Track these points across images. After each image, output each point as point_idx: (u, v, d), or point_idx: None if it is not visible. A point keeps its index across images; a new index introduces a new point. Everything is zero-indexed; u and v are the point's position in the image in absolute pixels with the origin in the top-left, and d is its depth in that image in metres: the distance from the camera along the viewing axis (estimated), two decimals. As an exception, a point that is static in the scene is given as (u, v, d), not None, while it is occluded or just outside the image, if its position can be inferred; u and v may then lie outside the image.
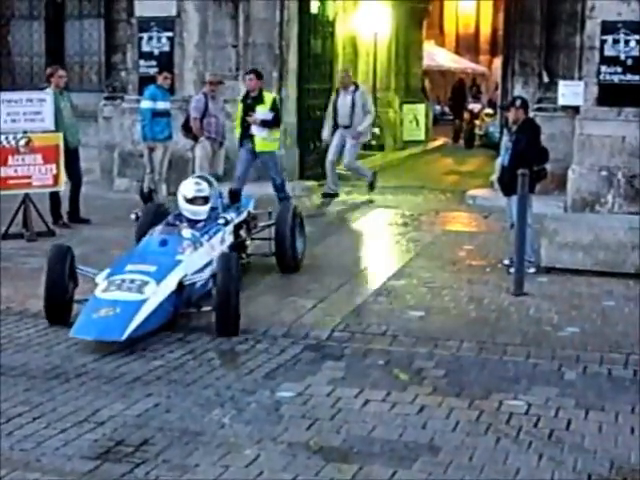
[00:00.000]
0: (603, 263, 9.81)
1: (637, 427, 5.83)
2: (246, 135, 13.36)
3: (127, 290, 7.33)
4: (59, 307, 7.74)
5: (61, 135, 12.08)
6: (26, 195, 11.59)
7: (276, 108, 13.41)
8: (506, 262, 10.10)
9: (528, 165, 9.53)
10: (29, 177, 11.63)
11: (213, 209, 9.06)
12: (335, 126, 15.33)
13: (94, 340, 7.09)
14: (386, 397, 6.28)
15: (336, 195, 15.24)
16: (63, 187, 12.10)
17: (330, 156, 15.32)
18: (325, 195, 15.25)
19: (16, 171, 11.57)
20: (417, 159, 23.22)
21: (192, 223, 8.59)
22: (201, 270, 8.06)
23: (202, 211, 8.72)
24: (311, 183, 16.41)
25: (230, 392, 6.34)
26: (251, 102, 13.28)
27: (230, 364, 7.02)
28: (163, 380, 6.57)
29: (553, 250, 9.99)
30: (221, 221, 8.95)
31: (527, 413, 6.04)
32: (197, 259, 8.10)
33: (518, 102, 10.27)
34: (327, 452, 5.38)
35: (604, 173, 13.36)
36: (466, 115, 27.64)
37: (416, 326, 8.05)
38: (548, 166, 10.66)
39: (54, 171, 11.78)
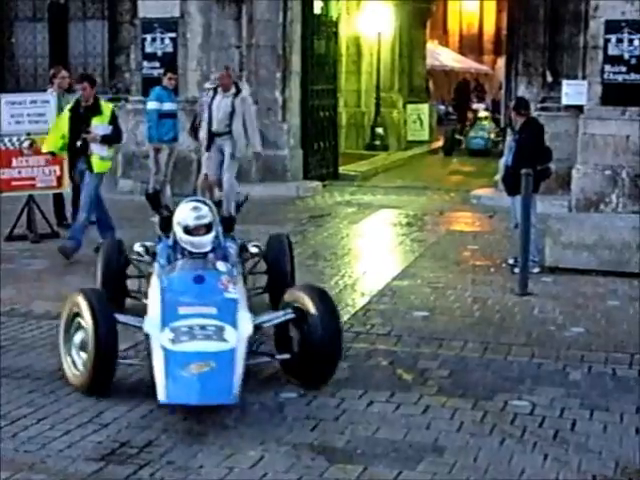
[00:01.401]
0: (607, 263, 9.80)
1: (642, 427, 5.82)
2: (80, 154, 10.68)
3: (206, 339, 6.08)
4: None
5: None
6: (30, 197, 11.60)
7: (116, 120, 10.93)
8: (510, 262, 10.10)
9: (531, 165, 9.52)
10: (33, 179, 11.64)
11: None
12: (211, 134, 12.82)
13: (197, 404, 5.83)
14: (390, 398, 6.27)
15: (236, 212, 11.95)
16: (67, 189, 12.11)
17: (211, 171, 12.92)
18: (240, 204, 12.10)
19: (20, 173, 11.58)
20: (421, 159, 23.22)
21: (193, 257, 7.14)
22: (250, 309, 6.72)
23: (206, 242, 7.11)
24: (315, 183, 16.41)
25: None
26: (85, 113, 10.62)
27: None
28: (167, 381, 6.55)
29: (557, 250, 9.98)
30: (232, 250, 7.50)
31: (532, 413, 6.03)
32: (243, 296, 6.78)
33: (513, 103, 10.29)
34: (331, 453, 5.37)
35: (608, 172, 13.36)
36: (470, 115, 27.60)
37: (420, 326, 8.04)
38: (552, 166, 10.67)
39: (58, 173, 11.78)
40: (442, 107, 31.99)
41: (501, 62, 25.29)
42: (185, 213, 7.18)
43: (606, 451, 5.45)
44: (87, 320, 6.23)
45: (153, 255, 7.53)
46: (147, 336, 6.27)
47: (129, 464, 5.21)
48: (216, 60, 15.76)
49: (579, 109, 13.95)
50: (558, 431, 5.73)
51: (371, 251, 11.85)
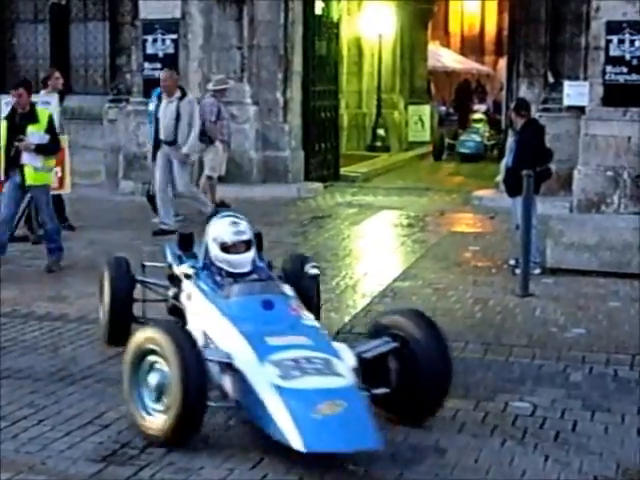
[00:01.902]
0: (609, 264, 9.79)
1: (643, 428, 5.82)
2: (13, 164, 10.04)
3: (319, 373, 5.36)
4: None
5: (67, 138, 12.12)
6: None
7: (53, 129, 10.23)
8: (511, 263, 10.09)
9: (531, 166, 9.52)
10: (34, 180, 11.60)
11: None
12: (157, 142, 12.31)
13: (344, 452, 5.19)
14: (391, 399, 6.25)
15: (172, 232, 10.82)
16: (69, 190, 12.09)
17: (158, 183, 12.29)
18: (157, 233, 11.70)
19: (21, 174, 11.54)
20: (422, 160, 23.20)
21: (234, 278, 6.41)
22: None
23: (246, 260, 6.45)
24: (316, 185, 16.41)
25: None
26: (20, 121, 9.99)
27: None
28: (168, 382, 6.55)
29: (559, 251, 9.97)
30: (268, 270, 6.74)
31: (533, 415, 6.03)
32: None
33: (513, 104, 10.30)
34: (332, 454, 5.35)
35: (610, 173, 13.35)
36: (471, 116, 27.50)
37: (421, 327, 8.02)
38: (553, 166, 10.67)
39: (60, 174, 11.77)
40: (443, 108, 31.96)
41: (502, 63, 25.17)
42: (222, 229, 6.53)
43: (607, 452, 5.44)
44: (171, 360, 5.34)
45: (170, 278, 7.07)
46: (233, 371, 5.51)
47: (130, 465, 5.20)
48: (217, 61, 15.77)
49: (580, 110, 13.95)
50: (559, 432, 5.72)
51: (372, 252, 11.85)
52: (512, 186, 9.94)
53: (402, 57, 25.19)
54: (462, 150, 22.30)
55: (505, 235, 11.53)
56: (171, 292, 7.00)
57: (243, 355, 5.53)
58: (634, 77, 13.32)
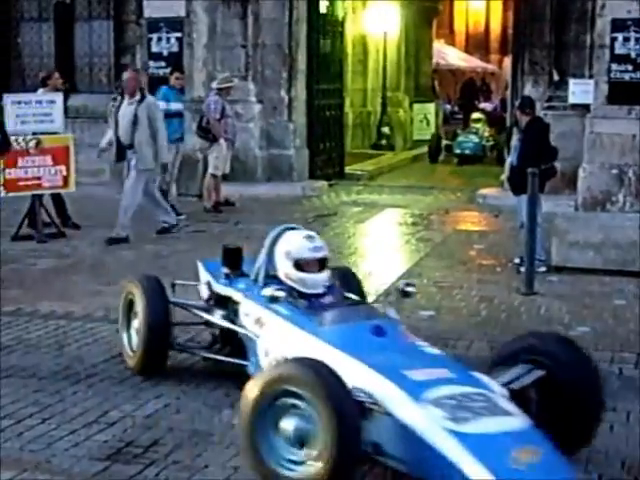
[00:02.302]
0: (614, 262, 9.78)
1: (648, 427, 5.80)
2: None
3: (492, 414, 4.67)
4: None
5: (71, 136, 12.13)
6: (35, 196, 11.60)
7: (2, 127, 9.85)
8: (516, 261, 10.08)
9: (536, 164, 9.51)
10: (39, 178, 11.63)
11: None
12: (120, 147, 11.60)
13: None
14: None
15: (125, 240, 11.17)
16: (74, 188, 12.09)
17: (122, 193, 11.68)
18: (111, 241, 11.20)
19: (26, 172, 11.57)
20: (427, 158, 23.15)
21: (308, 300, 5.83)
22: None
23: (322, 280, 5.91)
24: (321, 183, 16.41)
25: (240, 392, 6.31)
26: None
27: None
28: (172, 381, 6.56)
29: (564, 249, 9.96)
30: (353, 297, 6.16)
31: (538, 413, 6.01)
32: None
33: (518, 102, 10.30)
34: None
35: (615, 171, 13.33)
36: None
37: (426, 326, 8.00)
38: (558, 165, 10.65)
39: (64, 172, 11.79)
40: (448, 106, 31.95)
41: (507, 61, 25.12)
42: (298, 243, 5.92)
43: (612, 450, 5.42)
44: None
45: (211, 299, 6.57)
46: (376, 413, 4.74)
47: (134, 463, 5.20)
48: (222, 59, 15.76)
49: (586, 108, 13.92)
50: (564, 431, 5.71)
51: (377, 250, 11.84)
52: (517, 184, 9.94)
53: (407, 55, 25.17)
54: (459, 151, 21.27)
55: (510, 233, 11.52)
56: (218, 316, 6.41)
57: (387, 394, 4.74)
58: (639, 75, 13.29)
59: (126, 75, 11.86)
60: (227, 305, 6.38)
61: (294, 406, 4.67)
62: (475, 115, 23.06)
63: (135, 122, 11.33)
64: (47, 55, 17.24)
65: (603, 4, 13.38)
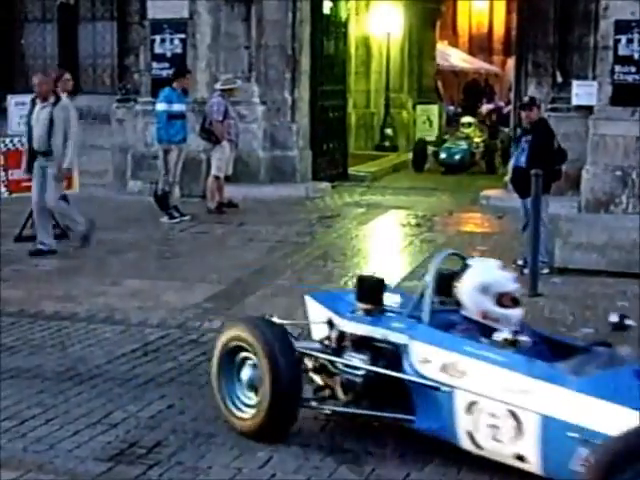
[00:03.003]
0: (617, 263, 9.77)
1: (652, 428, 5.78)
2: None
3: None
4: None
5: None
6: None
7: None
8: (520, 263, 10.07)
9: (545, 166, 9.49)
10: (42, 179, 11.60)
11: None
12: (32, 152, 10.98)
13: None
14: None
15: (52, 252, 10.72)
16: (77, 189, 12.09)
17: (34, 197, 10.92)
18: (33, 253, 10.71)
19: (29, 173, 11.55)
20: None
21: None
22: None
23: (518, 316, 5.27)
24: (324, 184, 16.40)
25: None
26: None
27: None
28: (176, 382, 6.57)
29: (567, 251, 9.96)
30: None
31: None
32: None
33: (525, 100, 10.27)
34: (340, 454, 5.36)
35: (618, 173, 13.33)
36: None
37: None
38: (562, 166, 10.64)
39: (68, 173, 11.76)
40: (451, 108, 31.95)
41: (511, 63, 25.07)
42: (497, 274, 5.28)
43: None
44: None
45: (329, 340, 5.71)
46: None
47: (138, 464, 5.21)
48: (225, 61, 15.77)
49: (589, 109, 13.92)
50: (567, 432, 5.70)
51: (380, 252, 11.83)
52: (524, 187, 9.83)
53: (410, 56, 25.16)
54: (445, 158, 19.51)
55: (513, 235, 11.51)
56: (358, 362, 5.48)
57: None
58: (643, 76, 13.31)
59: (36, 79, 11.18)
60: (364, 348, 5.53)
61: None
62: (465, 119, 21.22)
63: (51, 125, 10.71)
64: (50, 56, 17.27)
65: (606, 6, 13.38)
